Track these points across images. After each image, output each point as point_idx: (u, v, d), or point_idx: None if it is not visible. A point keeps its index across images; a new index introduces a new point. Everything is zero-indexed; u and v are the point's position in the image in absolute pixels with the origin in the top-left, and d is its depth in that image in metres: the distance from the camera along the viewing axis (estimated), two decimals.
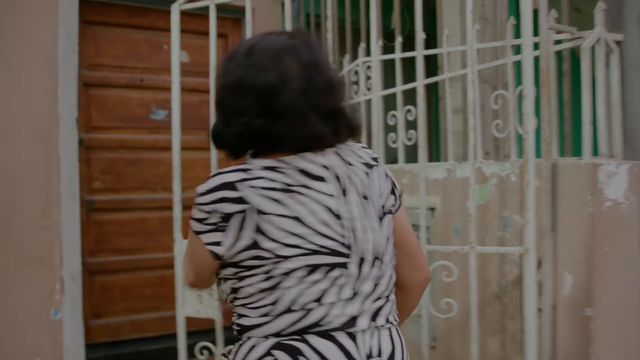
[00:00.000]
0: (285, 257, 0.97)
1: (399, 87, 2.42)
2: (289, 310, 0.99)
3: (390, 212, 1.10)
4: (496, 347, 1.84)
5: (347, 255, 1.01)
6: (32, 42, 0.81)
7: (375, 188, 1.07)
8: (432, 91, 3.01)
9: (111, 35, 3.26)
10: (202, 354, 1.90)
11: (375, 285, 1.05)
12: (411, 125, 2.24)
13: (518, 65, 1.78)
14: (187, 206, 1.49)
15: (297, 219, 0.98)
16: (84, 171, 3.20)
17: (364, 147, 1.13)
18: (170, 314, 2.58)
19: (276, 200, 0.97)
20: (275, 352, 0.98)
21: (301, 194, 0.99)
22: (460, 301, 1.95)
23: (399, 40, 2.43)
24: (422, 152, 1.83)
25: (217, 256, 1.02)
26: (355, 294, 1.02)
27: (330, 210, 1.00)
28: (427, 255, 1.81)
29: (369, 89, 2.58)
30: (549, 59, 1.71)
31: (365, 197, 1.05)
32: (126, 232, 3.32)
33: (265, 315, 1.00)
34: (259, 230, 0.97)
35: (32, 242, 0.80)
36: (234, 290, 1.04)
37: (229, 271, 1.04)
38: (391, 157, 3.00)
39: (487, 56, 2.18)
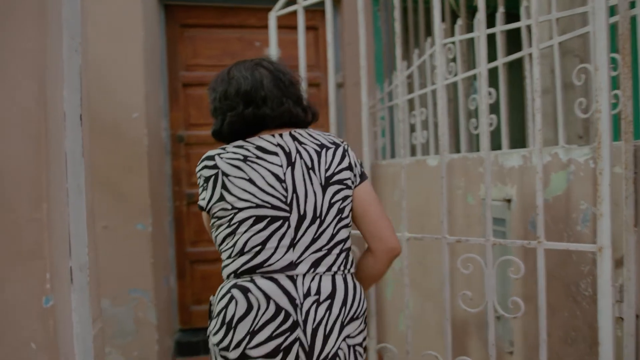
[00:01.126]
0: (240, 209, 1.29)
1: (479, 69, 2.21)
2: (243, 252, 1.29)
3: (340, 183, 1.34)
4: (575, 358, 1.61)
5: (287, 211, 1.29)
6: (21, 48, 0.87)
7: (323, 163, 1.33)
8: (520, 70, 2.70)
9: (205, 36, 3.44)
10: None
11: (315, 238, 1.30)
12: (493, 109, 2.04)
13: (612, 30, 1.50)
14: None
15: (250, 180, 1.29)
16: (184, 166, 3.44)
17: (326, 134, 1.41)
18: None
19: (237, 167, 1.30)
20: (233, 290, 1.29)
21: (256, 163, 1.30)
22: (536, 303, 1.73)
23: (477, 17, 2.22)
24: (485, 138, 1.66)
25: (202, 208, 1.36)
26: (295, 243, 1.29)
27: (277, 175, 1.30)
28: (494, 249, 1.63)
29: (449, 72, 2.40)
30: (628, 21, 1.43)
31: (312, 169, 1.32)
32: None
33: (229, 257, 1.32)
34: (225, 187, 1.30)
35: (23, 234, 0.87)
36: (216, 239, 1.36)
37: (211, 222, 1.36)
38: (476, 144, 2.77)
39: (577, 27, 1.90)
